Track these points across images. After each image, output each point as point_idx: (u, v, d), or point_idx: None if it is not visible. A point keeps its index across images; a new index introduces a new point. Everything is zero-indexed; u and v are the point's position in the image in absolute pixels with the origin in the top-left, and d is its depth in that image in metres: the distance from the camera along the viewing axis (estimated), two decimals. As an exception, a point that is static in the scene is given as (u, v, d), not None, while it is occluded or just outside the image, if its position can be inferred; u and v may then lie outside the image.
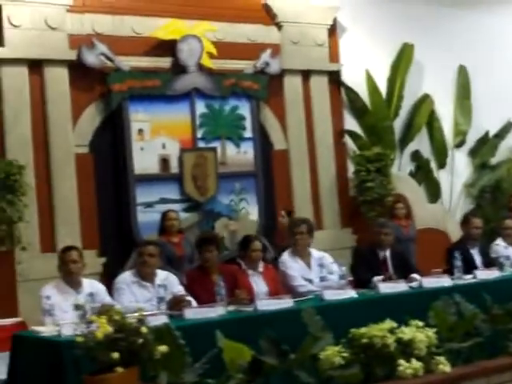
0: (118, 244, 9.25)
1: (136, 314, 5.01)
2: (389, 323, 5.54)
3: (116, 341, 4.65)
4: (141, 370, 4.83)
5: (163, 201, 9.49)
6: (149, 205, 9.42)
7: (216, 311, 6.05)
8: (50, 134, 8.97)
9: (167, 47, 9.65)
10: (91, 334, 4.65)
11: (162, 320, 5.55)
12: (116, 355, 4.59)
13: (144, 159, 9.42)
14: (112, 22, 9.38)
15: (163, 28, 9.63)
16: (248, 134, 10.20)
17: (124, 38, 9.42)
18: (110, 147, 9.39)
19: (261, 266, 7.38)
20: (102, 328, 4.65)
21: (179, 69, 9.72)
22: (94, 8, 9.29)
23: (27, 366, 5.77)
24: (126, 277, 6.74)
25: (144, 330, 4.77)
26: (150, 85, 9.48)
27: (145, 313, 5.31)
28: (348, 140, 11.12)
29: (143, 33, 9.54)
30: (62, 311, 6.25)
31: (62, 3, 9.02)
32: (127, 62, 9.35)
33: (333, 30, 10.93)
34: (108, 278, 7.96)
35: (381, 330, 5.40)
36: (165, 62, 9.68)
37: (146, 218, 9.35)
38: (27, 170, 8.60)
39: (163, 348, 4.83)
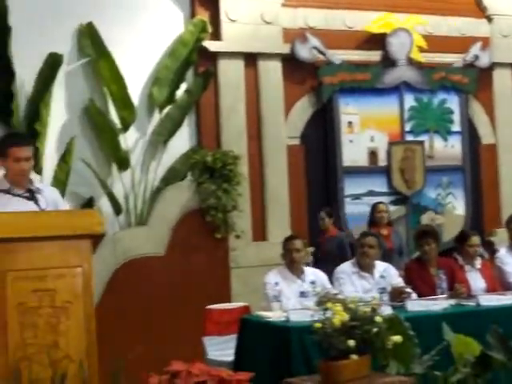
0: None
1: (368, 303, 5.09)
2: None
3: (352, 328, 4.74)
4: (372, 359, 4.90)
5: (371, 193, 9.56)
6: (357, 197, 9.52)
7: (439, 304, 6.06)
8: (263, 126, 9.19)
9: (377, 41, 9.70)
10: (328, 320, 4.76)
11: (386, 311, 5.61)
12: (352, 343, 4.68)
13: (353, 152, 9.52)
14: (324, 16, 9.50)
15: (374, 22, 9.69)
16: (456, 127, 10.12)
17: (336, 32, 9.52)
18: (320, 139, 9.54)
19: (478, 263, 7.29)
20: (339, 315, 4.74)
21: (389, 62, 9.76)
22: (307, 2, 9.45)
23: (254, 349, 5.98)
24: (346, 267, 6.85)
25: (378, 319, 4.83)
26: (360, 78, 9.57)
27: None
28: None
29: (354, 26, 9.63)
30: (285, 297, 6.44)
31: (277, -2, 9.23)
32: (338, 56, 9.46)
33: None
34: (316, 268, 8.07)
35: None
36: (375, 56, 9.74)
37: (354, 209, 9.47)
38: (242, 160, 8.85)
39: (396, 338, 4.87)
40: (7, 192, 4.75)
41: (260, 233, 9.08)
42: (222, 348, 6.54)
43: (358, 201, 9.52)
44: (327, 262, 8.27)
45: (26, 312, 4.26)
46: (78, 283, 4.38)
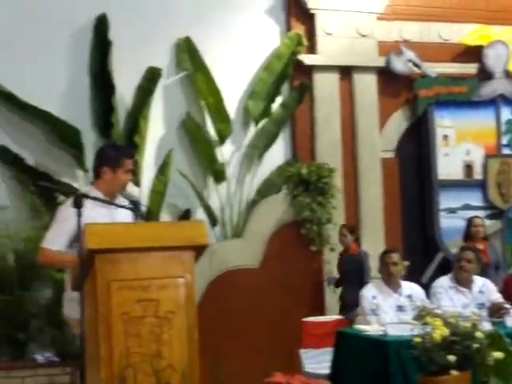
0: (420, 248, 9.32)
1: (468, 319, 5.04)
2: None
3: (452, 344, 4.71)
4: (472, 375, 4.85)
5: (466, 207, 9.45)
6: (452, 211, 9.42)
7: (541, 320, 5.96)
8: (357, 139, 9.18)
9: (473, 53, 9.62)
10: (428, 335, 4.73)
11: (485, 326, 5.53)
12: (452, 358, 4.64)
13: (448, 165, 9.44)
14: (419, 28, 9.47)
15: (470, 34, 9.61)
16: (554, 141, 9.93)
17: (431, 45, 9.48)
18: (415, 152, 9.49)
19: None
20: (439, 330, 4.71)
21: (485, 75, 9.66)
22: (403, 16, 9.43)
23: (350, 362, 5.98)
24: (443, 281, 6.79)
25: (479, 334, 4.79)
26: (456, 91, 9.49)
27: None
28: None
29: (450, 39, 9.57)
30: (382, 311, 6.41)
31: (372, 11, 9.22)
32: (434, 68, 9.40)
33: None
34: (410, 281, 8.01)
35: None
36: (471, 68, 9.65)
37: (449, 223, 9.37)
38: (336, 173, 8.85)
39: (497, 354, 4.82)
40: (110, 203, 4.84)
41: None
42: (318, 361, 6.56)
43: (454, 215, 9.42)
44: (344, 281, 8.18)
45: (130, 321, 4.34)
46: (180, 294, 4.44)
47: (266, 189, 8.87)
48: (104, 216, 4.74)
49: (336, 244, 8.76)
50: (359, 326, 6.14)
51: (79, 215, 4.27)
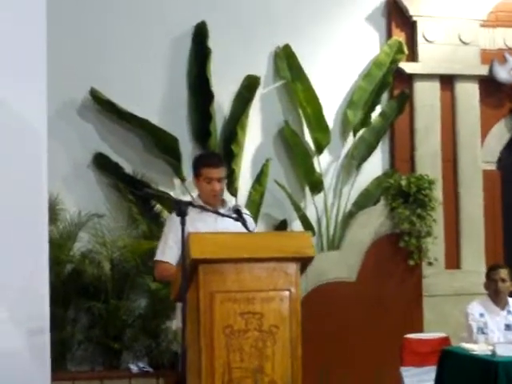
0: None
1: None
2: None
3: None
4: None
5: None
6: (555, 224, 9.06)
7: None
8: (458, 150, 8.91)
9: None
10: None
11: None
12: None
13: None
14: (525, 36, 9.15)
15: None
16: None
17: (538, 52, 9.14)
18: (518, 164, 9.18)
19: None
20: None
21: None
22: (506, 22, 9.11)
23: (454, 382, 5.75)
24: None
25: None
26: (561, 100, 9.13)
27: None
28: None
29: (557, 46, 9.21)
30: (489, 330, 6.16)
31: (475, 18, 8.95)
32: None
33: None
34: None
35: None
36: None
37: (554, 237, 9.01)
38: (436, 184, 8.61)
39: None
40: (215, 212, 4.74)
41: (453, 260, 8.79)
42: (420, 380, 6.33)
43: (558, 228, 9.06)
44: None
45: (232, 335, 4.23)
46: (285, 307, 4.32)
47: (364, 200, 8.68)
48: (208, 225, 4.65)
49: (435, 258, 8.52)
50: (465, 345, 5.89)
51: (183, 224, 4.17)
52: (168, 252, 4.76)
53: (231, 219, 4.74)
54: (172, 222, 4.54)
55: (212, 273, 4.22)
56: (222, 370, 4.18)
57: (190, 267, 4.19)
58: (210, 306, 4.20)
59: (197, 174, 5.04)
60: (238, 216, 4.73)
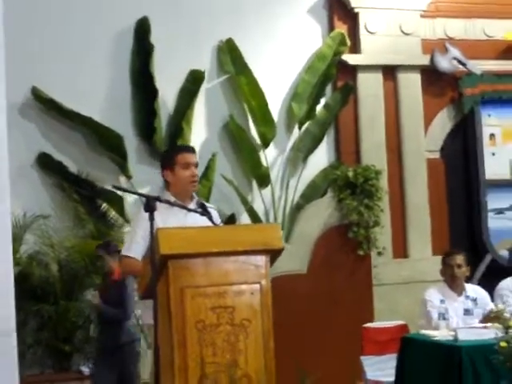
0: (468, 250, 9.05)
1: None
2: None
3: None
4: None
5: (514, 207, 9.23)
6: (500, 211, 9.18)
7: None
8: (402, 139, 8.97)
9: (519, 50, 9.39)
10: (512, 339, 4.53)
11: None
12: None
13: (495, 165, 9.20)
14: (464, 25, 9.24)
15: (514, 30, 9.38)
16: None
17: (476, 42, 9.25)
18: (461, 152, 9.26)
19: None
20: (524, 334, 4.51)
21: (531, 72, 9.41)
22: (447, 13, 9.21)
23: (418, 369, 5.77)
24: (508, 283, 6.58)
25: None
26: (501, 88, 9.25)
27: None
28: None
29: (495, 35, 9.32)
30: (449, 316, 6.20)
31: (416, 9, 9.02)
32: (479, 66, 9.16)
33: None
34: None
35: None
36: (516, 65, 9.41)
37: (497, 224, 9.13)
38: (383, 174, 8.64)
39: None
40: (183, 207, 4.66)
41: (400, 249, 8.84)
42: (381, 368, 6.34)
43: (501, 215, 9.18)
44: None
45: (204, 330, 4.16)
46: (256, 300, 4.26)
47: (311, 192, 8.68)
48: (179, 220, 4.57)
49: (384, 247, 8.56)
50: (426, 332, 5.91)
51: (152, 219, 4.08)
52: (134, 247, 4.67)
53: (198, 214, 4.67)
54: (141, 217, 4.44)
55: (182, 268, 4.15)
56: (195, 365, 4.11)
57: (160, 263, 4.11)
58: (181, 301, 4.12)
59: (171, 164, 4.87)
60: (204, 210, 4.66)
